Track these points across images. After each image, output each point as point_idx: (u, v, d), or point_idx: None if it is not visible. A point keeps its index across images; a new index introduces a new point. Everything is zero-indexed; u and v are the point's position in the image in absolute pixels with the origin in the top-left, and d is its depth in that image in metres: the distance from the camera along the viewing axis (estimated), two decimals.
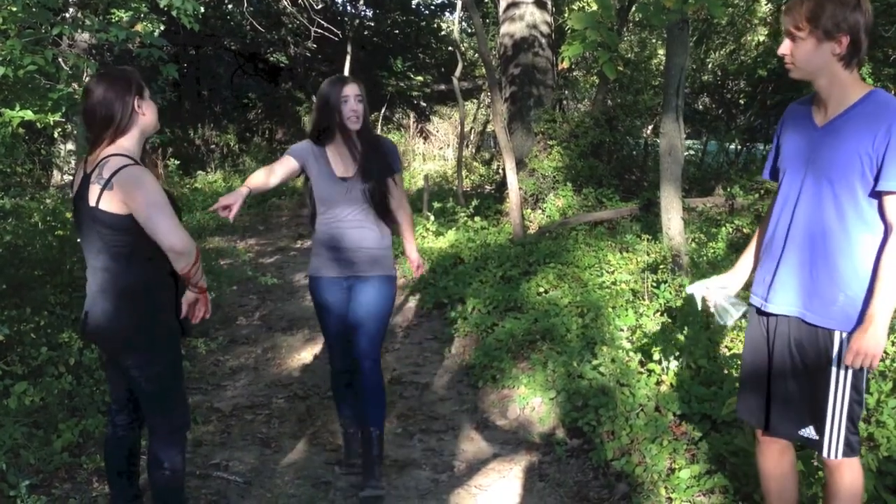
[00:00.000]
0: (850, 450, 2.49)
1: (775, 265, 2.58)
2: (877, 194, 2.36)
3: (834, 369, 2.46)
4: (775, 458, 2.76)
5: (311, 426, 4.56)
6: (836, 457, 2.50)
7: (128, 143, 2.78)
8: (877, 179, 2.34)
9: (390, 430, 4.49)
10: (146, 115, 2.82)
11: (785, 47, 2.45)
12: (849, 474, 2.55)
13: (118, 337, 2.88)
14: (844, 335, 2.44)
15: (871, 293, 2.38)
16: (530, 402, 4.59)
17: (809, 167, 2.49)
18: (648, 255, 6.29)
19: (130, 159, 2.72)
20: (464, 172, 12.21)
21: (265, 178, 3.62)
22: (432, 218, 8.77)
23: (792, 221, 2.53)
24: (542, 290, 6.09)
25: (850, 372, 2.44)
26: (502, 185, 9.61)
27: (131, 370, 2.89)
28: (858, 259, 2.42)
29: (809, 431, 2.54)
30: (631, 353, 4.49)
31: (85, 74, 7.45)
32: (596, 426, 4.03)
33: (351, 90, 3.57)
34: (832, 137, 2.43)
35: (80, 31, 5.67)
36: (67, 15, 7.16)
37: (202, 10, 5.92)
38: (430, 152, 16.82)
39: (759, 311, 2.66)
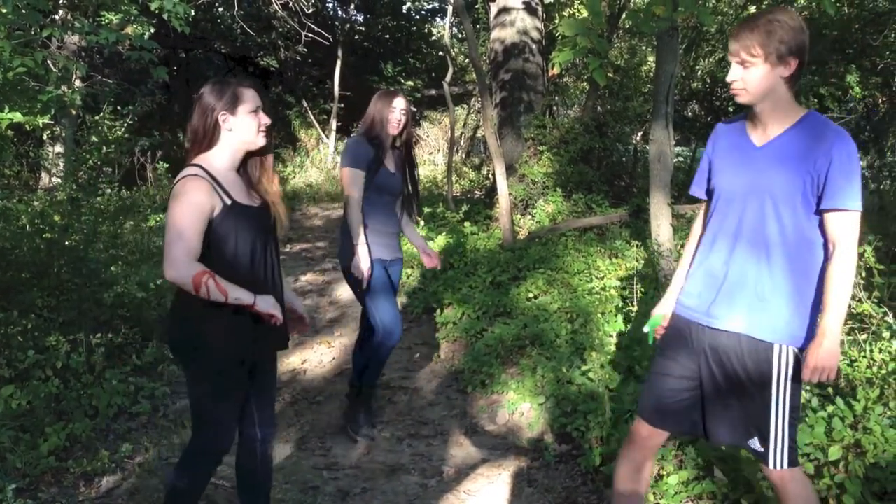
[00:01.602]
0: (793, 460, 2.54)
1: (719, 283, 2.60)
2: (819, 212, 2.44)
3: (775, 383, 2.51)
4: (638, 461, 2.80)
5: (299, 431, 4.55)
6: (782, 467, 2.53)
7: (213, 156, 2.79)
8: (821, 197, 2.42)
9: (381, 437, 4.48)
10: (233, 130, 2.78)
11: (736, 74, 2.49)
12: (797, 483, 2.57)
13: (171, 347, 2.90)
14: (785, 348, 2.50)
15: (820, 308, 2.45)
16: (519, 408, 4.60)
17: (751, 186, 2.54)
18: (637, 261, 6.31)
19: (203, 171, 2.71)
20: (454, 177, 12.21)
21: (360, 212, 4.22)
22: (422, 223, 8.77)
23: (735, 240, 2.57)
24: (531, 295, 6.10)
25: (789, 385, 2.50)
26: (492, 191, 9.61)
27: (187, 382, 2.89)
28: (801, 274, 2.50)
29: (756, 443, 2.56)
30: (619, 359, 4.50)
31: (74, 76, 7.43)
32: (585, 432, 4.03)
33: (399, 103, 4.28)
34: (774, 157, 2.50)
35: (69, 33, 5.66)
36: (57, 17, 7.15)
37: (192, 13, 5.92)
38: (421, 157, 16.82)
39: (690, 325, 2.66)
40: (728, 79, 2.52)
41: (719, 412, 2.62)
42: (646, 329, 2.93)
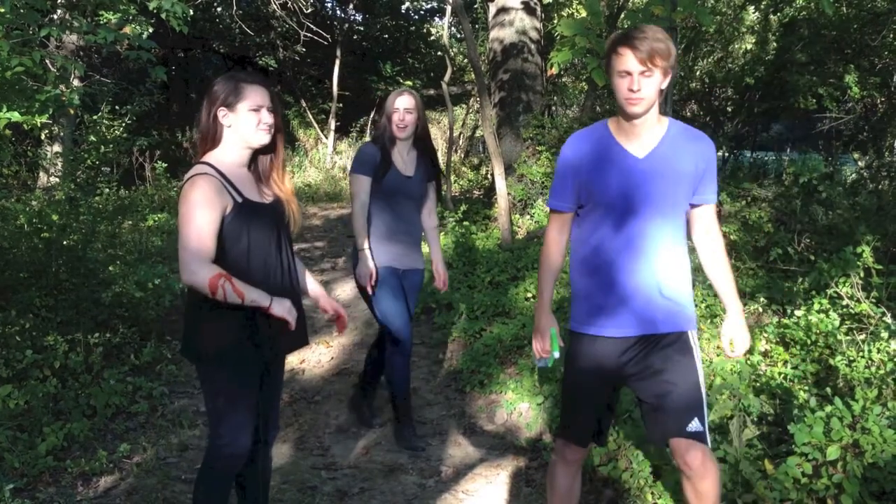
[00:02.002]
0: None
1: (631, 294, 2.67)
2: (693, 205, 2.70)
3: (698, 366, 2.70)
4: (573, 475, 2.94)
5: (297, 430, 4.55)
6: (709, 444, 2.71)
7: (220, 153, 2.75)
8: (697, 193, 2.67)
9: (380, 436, 4.48)
10: (233, 126, 2.73)
11: (638, 83, 2.52)
12: (714, 462, 2.72)
13: (183, 346, 2.85)
14: (694, 332, 2.73)
15: (720, 289, 2.78)
16: (517, 408, 4.59)
17: (643, 197, 2.61)
18: None
19: (212, 168, 2.67)
20: (452, 177, 12.20)
21: (364, 217, 4.11)
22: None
23: (640, 252, 2.64)
24: (529, 295, 6.10)
25: (701, 363, 2.73)
26: (491, 191, 9.61)
27: (200, 382, 2.86)
28: (687, 267, 2.73)
29: (696, 425, 2.67)
30: None
31: (72, 76, 7.42)
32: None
33: (401, 103, 4.08)
34: (661, 166, 2.61)
35: (68, 32, 5.65)
36: (55, 16, 7.14)
37: (191, 12, 5.91)
38: None
39: (606, 342, 2.71)
40: (634, 87, 2.51)
41: (658, 408, 2.70)
42: (556, 354, 2.86)
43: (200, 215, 2.60)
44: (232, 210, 2.67)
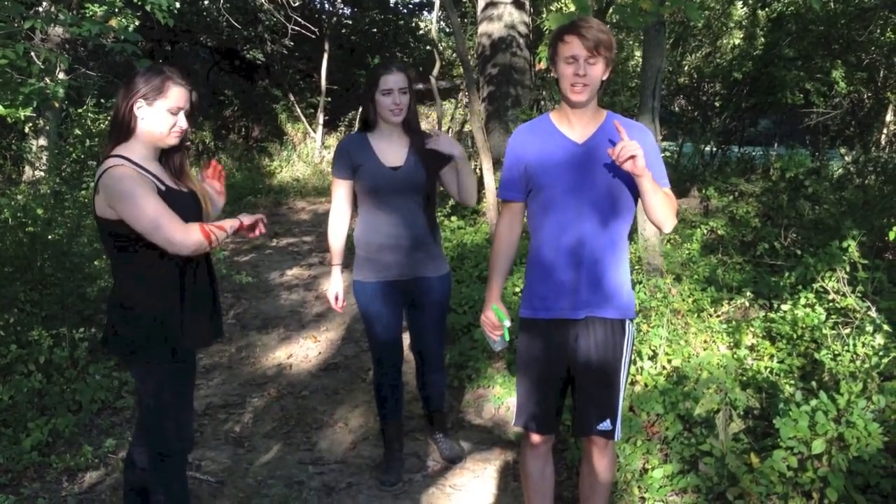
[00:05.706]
0: None
1: (578, 278, 2.72)
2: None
3: (624, 359, 2.78)
4: (543, 459, 3.01)
5: (284, 426, 4.54)
6: (619, 437, 2.84)
7: (131, 147, 2.65)
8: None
9: (367, 431, 4.48)
10: (146, 121, 2.63)
11: (584, 68, 2.59)
12: (613, 449, 2.92)
13: (116, 348, 2.78)
14: (632, 323, 2.82)
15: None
16: (505, 402, 4.60)
17: (584, 180, 2.68)
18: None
19: (125, 160, 2.57)
20: None
21: (343, 229, 3.67)
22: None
23: (582, 232, 2.69)
24: (517, 289, 6.09)
25: (629, 362, 2.82)
26: (479, 185, 9.59)
27: (136, 382, 2.80)
28: (627, 252, 2.81)
29: (606, 424, 2.79)
30: None
31: (57, 69, 7.37)
32: (570, 426, 4.04)
33: (395, 82, 3.38)
34: (598, 153, 2.67)
35: (53, 25, 5.61)
36: (40, 9, 7.08)
37: (177, 5, 5.87)
38: None
39: (553, 325, 2.78)
40: (580, 72, 2.59)
41: (585, 399, 2.81)
42: (507, 323, 2.88)
43: (143, 192, 2.52)
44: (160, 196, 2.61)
